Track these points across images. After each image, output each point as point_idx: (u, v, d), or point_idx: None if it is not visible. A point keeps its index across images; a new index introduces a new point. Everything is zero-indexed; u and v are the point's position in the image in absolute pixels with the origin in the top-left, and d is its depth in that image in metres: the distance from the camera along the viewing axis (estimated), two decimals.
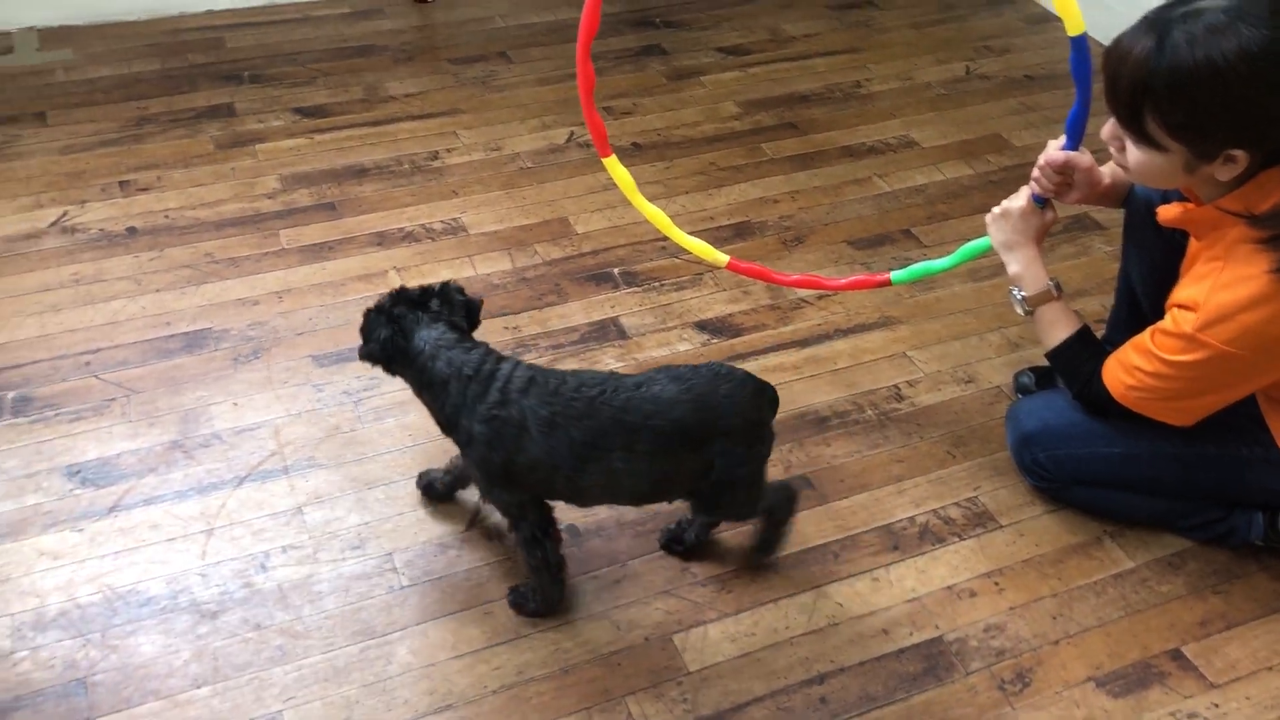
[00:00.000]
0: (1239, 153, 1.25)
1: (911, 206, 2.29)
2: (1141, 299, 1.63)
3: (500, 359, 1.38)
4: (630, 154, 2.41)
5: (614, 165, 1.76)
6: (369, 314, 1.42)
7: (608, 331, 1.95)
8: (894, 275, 1.70)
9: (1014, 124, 2.56)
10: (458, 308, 1.43)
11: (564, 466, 1.33)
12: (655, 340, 1.94)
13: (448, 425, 1.39)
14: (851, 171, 2.38)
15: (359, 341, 1.42)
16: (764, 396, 1.39)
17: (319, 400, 1.79)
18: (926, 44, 2.87)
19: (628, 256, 2.13)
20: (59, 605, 1.45)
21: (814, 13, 2.99)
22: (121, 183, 2.23)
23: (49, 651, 1.40)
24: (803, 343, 1.94)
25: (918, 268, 1.70)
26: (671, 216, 2.22)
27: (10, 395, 1.76)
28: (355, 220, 2.18)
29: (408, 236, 2.15)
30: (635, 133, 2.48)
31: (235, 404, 1.78)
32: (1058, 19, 1.43)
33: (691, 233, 2.18)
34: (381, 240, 2.14)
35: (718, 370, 1.37)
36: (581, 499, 1.42)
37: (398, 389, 1.80)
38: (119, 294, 1.97)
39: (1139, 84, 1.24)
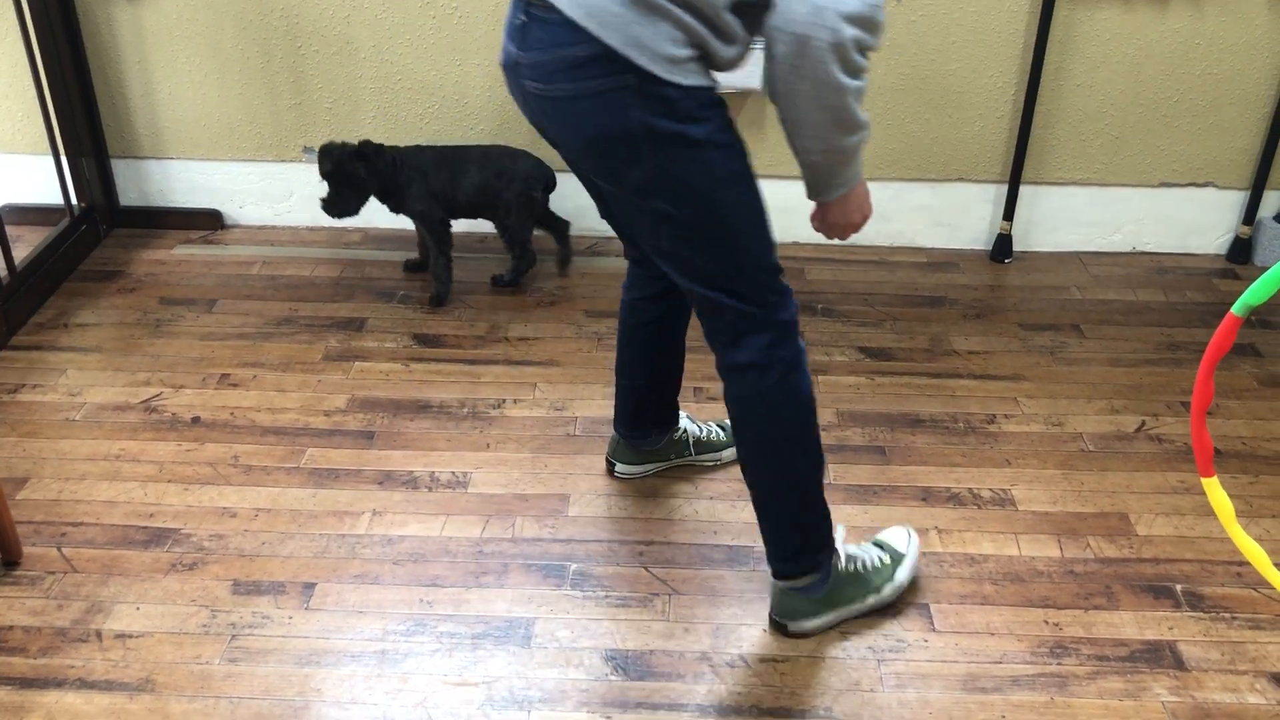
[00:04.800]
0: None
1: None
2: None
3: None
4: None
5: (1214, 488, 1.61)
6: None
7: (1162, 657, 1.77)
8: None
9: None
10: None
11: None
12: (1219, 683, 1.72)
13: None
14: None
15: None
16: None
17: (844, 649, 1.77)
18: None
19: (1194, 574, 1.93)
20: None
21: None
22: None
23: None
24: None
25: None
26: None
27: (573, 567, 1.93)
28: (903, 470, 2.19)
29: (953, 498, 2.12)
30: (1216, 437, 2.28)
31: (764, 630, 1.81)
32: None
33: (1276, 567, 1.95)
34: (926, 496, 2.12)
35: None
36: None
37: (924, 658, 1.75)
38: (678, 494, 2.11)
39: None
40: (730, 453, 2.18)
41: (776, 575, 1.79)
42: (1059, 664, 1.75)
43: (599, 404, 2.36)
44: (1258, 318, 2.71)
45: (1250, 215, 2.93)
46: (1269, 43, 2.75)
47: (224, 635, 1.78)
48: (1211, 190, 2.94)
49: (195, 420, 2.30)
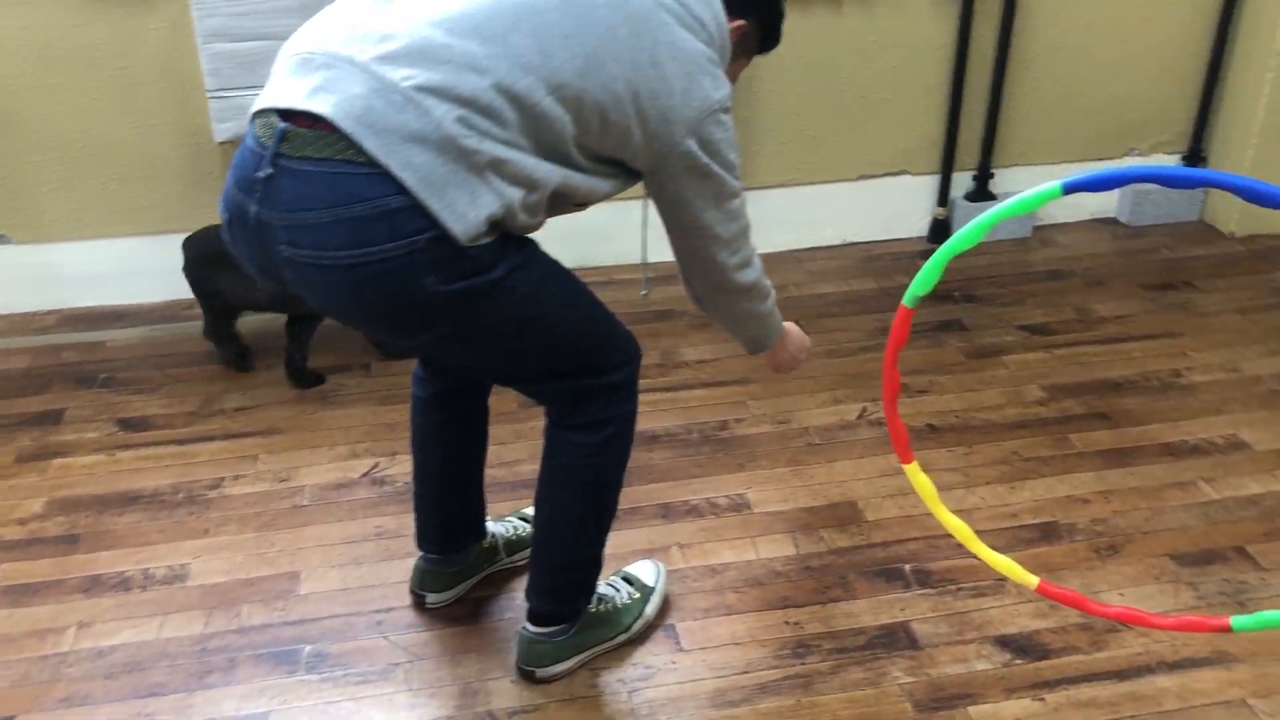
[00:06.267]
0: None
1: (1245, 520, 2.06)
2: None
3: None
4: (926, 436, 2.32)
5: (915, 473, 1.68)
6: None
7: (897, 639, 1.82)
8: (1235, 621, 1.50)
9: None
10: None
11: None
12: (950, 655, 1.79)
13: None
14: (1172, 473, 2.19)
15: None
16: None
17: (594, 687, 1.75)
18: (1256, 332, 2.66)
19: (921, 552, 2.01)
20: None
21: (1126, 292, 2.85)
22: None
23: None
24: (1121, 674, 1.74)
25: (1265, 616, 1.49)
26: (971, 510, 2.11)
27: (307, 650, 1.83)
28: (642, 489, 2.19)
29: (692, 511, 2.13)
30: (931, 413, 2.40)
31: (512, 681, 1.76)
32: None
33: (993, 531, 2.06)
34: (666, 513, 2.12)
35: None
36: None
37: (673, 680, 1.75)
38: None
39: None
40: None
41: (532, 617, 1.75)
42: (802, 663, 1.78)
43: (326, 469, 2.26)
44: (961, 293, 2.87)
45: (944, 197, 3.11)
46: (937, 35, 2.92)
47: None
48: (906, 177, 3.10)
49: None
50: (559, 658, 1.75)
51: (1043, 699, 1.71)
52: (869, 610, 1.89)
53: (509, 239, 1.42)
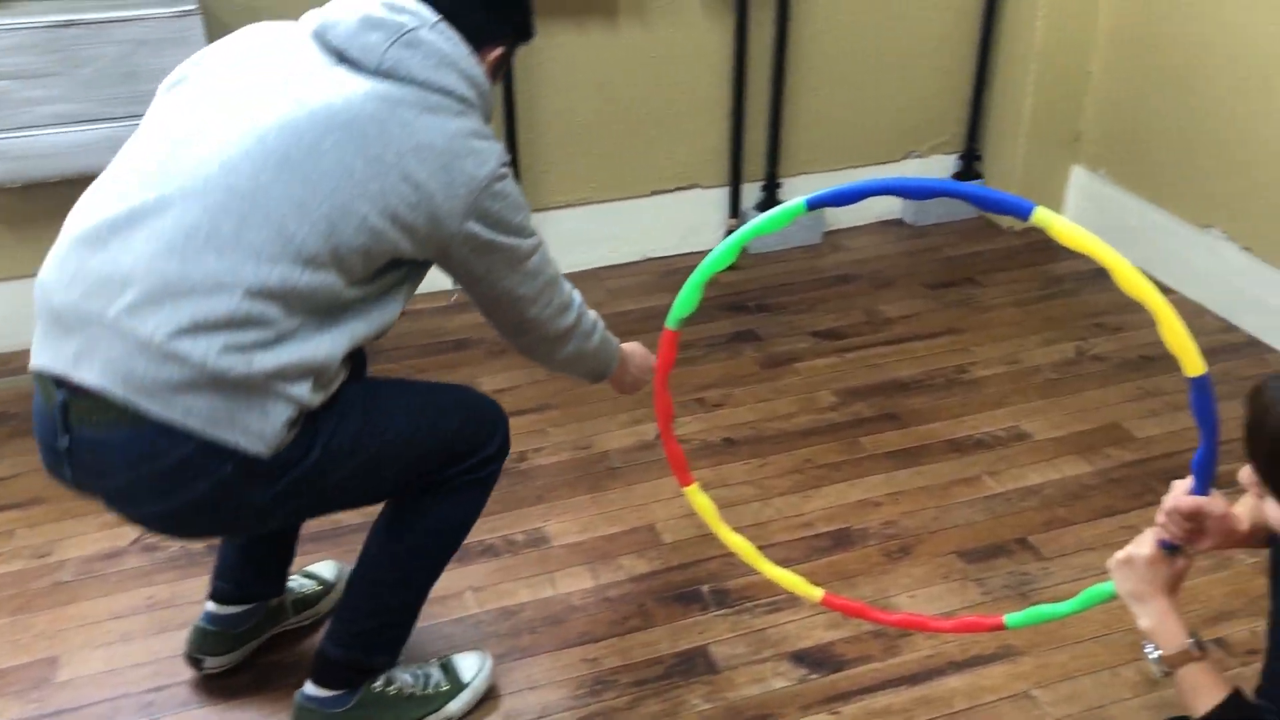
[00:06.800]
0: None
1: (1027, 510, 2.12)
2: None
3: None
4: (722, 450, 2.32)
5: (695, 494, 1.67)
6: None
7: (695, 665, 1.80)
8: (1008, 619, 1.54)
9: (1134, 411, 2.40)
10: None
11: None
12: (747, 676, 1.78)
13: None
14: (958, 469, 2.24)
15: None
16: None
17: None
18: (1032, 323, 2.76)
19: (719, 570, 2.00)
20: None
21: (912, 292, 2.92)
22: None
23: None
24: (913, 679, 1.76)
25: (1036, 611, 1.53)
26: (767, 523, 2.12)
27: None
28: None
29: (487, 550, 2.07)
30: (727, 426, 2.39)
31: None
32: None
33: (788, 542, 2.07)
34: (462, 556, 2.02)
35: None
36: None
37: None
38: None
39: None
40: (329, 601, 1.90)
41: (316, 670, 1.64)
42: (599, 701, 1.74)
43: (93, 538, 2.10)
44: (755, 303, 2.89)
45: (735, 209, 3.13)
46: (714, 46, 2.94)
47: None
48: (697, 191, 3.11)
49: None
50: None
51: (838, 712, 1.71)
52: (667, 637, 1.86)
53: (313, 414, 1.39)
